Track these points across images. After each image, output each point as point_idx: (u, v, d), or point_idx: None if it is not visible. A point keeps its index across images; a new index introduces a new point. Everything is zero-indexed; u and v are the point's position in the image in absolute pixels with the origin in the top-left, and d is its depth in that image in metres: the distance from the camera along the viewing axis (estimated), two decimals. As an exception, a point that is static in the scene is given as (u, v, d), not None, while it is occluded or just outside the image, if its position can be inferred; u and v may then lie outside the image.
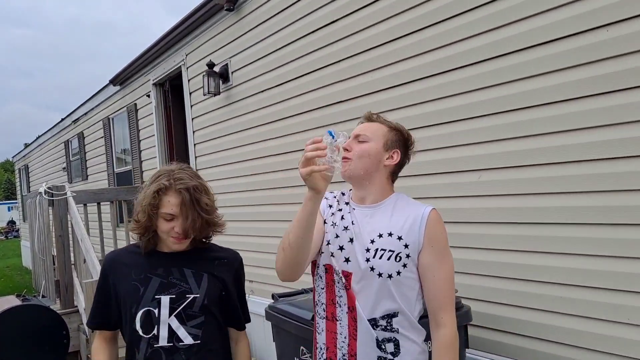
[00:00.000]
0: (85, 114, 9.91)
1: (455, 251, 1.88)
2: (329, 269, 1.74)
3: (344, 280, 1.69)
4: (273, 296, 3.07)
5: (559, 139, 2.48)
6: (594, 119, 2.35)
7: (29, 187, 15.60)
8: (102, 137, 9.04)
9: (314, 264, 1.80)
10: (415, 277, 1.69)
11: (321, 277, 1.76)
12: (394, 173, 1.80)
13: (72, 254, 4.97)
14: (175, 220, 1.71)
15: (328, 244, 1.73)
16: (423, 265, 1.67)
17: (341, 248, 1.72)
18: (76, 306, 4.85)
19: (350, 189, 1.86)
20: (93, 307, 1.85)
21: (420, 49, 3.12)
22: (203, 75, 5.23)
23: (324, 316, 1.75)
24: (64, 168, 11.68)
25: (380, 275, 1.65)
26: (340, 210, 1.80)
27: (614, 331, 2.33)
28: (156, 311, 1.72)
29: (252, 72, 4.79)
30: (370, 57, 3.49)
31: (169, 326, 1.72)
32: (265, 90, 4.62)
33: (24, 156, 16.43)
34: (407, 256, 1.66)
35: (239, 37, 4.94)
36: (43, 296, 5.22)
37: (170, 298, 1.73)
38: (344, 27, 3.69)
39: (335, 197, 1.85)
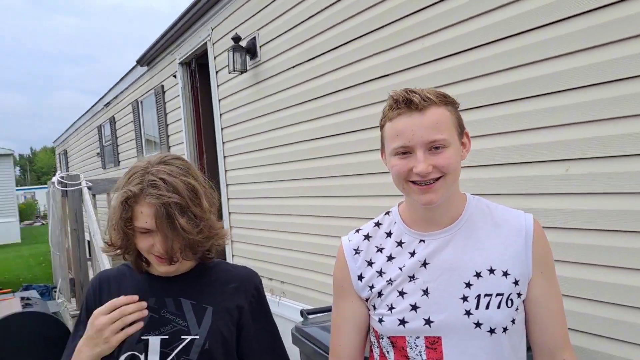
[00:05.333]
0: (116, 97, 9.62)
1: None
2: (396, 342, 1.22)
3: (424, 356, 1.18)
4: (302, 313, 2.59)
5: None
6: None
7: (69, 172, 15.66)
8: (132, 122, 8.71)
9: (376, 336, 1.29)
10: (524, 318, 1.24)
11: (388, 353, 1.25)
12: None
13: (87, 250, 4.58)
14: (154, 235, 1.30)
15: (391, 309, 1.21)
16: (533, 299, 1.24)
17: (414, 308, 1.19)
18: (93, 306, 4.47)
19: (387, 212, 1.32)
20: (68, 344, 1.41)
21: (487, 6, 2.46)
22: (228, 51, 4.68)
23: None
24: (98, 154, 11.48)
25: (492, 331, 1.16)
26: (391, 258, 1.23)
27: None
28: (142, 356, 1.34)
29: (282, 45, 4.21)
30: (420, 20, 2.85)
31: None
32: (296, 65, 4.04)
33: (62, 141, 16.49)
34: (518, 295, 1.20)
35: (268, 4, 4.36)
36: (61, 293, 4.87)
37: (162, 340, 1.35)
38: (388, -15, 3.06)
39: (368, 237, 1.30)
